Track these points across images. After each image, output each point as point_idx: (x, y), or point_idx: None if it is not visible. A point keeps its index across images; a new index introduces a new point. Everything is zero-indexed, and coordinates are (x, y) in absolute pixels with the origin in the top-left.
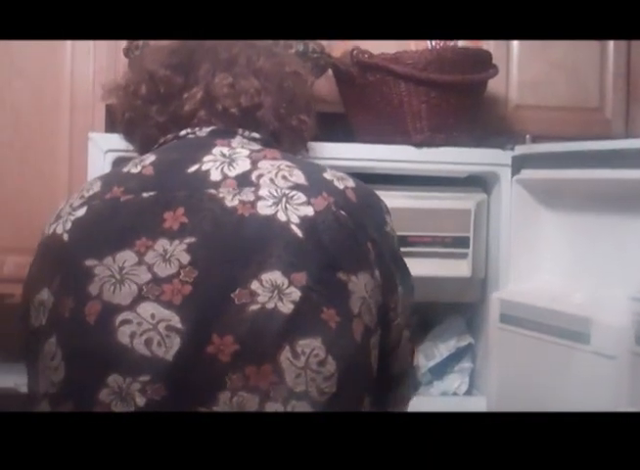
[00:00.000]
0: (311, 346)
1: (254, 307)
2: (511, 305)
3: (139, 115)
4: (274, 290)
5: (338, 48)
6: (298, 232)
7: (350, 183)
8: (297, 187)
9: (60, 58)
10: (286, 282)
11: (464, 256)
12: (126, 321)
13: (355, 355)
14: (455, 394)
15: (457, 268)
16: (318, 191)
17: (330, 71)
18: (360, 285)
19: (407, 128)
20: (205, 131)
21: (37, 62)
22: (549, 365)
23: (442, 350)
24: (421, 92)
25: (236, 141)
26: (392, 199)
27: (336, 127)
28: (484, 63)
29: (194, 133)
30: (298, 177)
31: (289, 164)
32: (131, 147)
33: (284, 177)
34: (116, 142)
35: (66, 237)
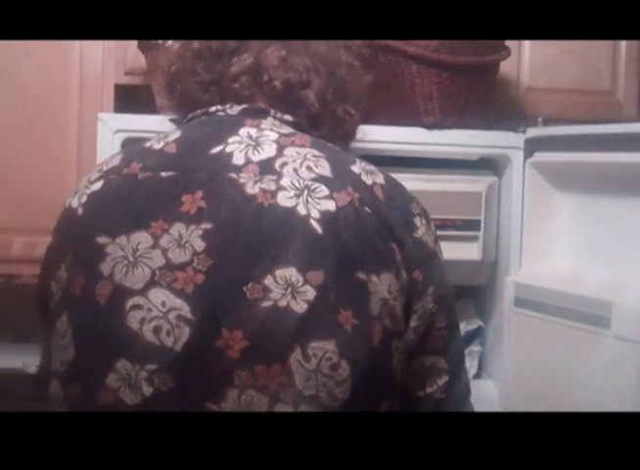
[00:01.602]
0: (324, 349)
1: (266, 304)
2: (526, 289)
3: (185, 68)
4: (288, 287)
5: None
6: (318, 228)
7: (380, 179)
8: (320, 179)
9: None
10: (301, 280)
11: (475, 238)
12: (137, 306)
13: (372, 360)
14: None
15: (468, 251)
16: (343, 185)
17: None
18: (382, 286)
19: (418, 110)
20: (236, 109)
21: (46, 42)
22: (566, 350)
23: None
24: (432, 74)
25: (267, 122)
26: (403, 181)
27: None
28: (496, 44)
29: (224, 110)
30: (324, 169)
31: (316, 153)
32: (141, 127)
33: (308, 168)
34: (126, 122)
35: (80, 211)
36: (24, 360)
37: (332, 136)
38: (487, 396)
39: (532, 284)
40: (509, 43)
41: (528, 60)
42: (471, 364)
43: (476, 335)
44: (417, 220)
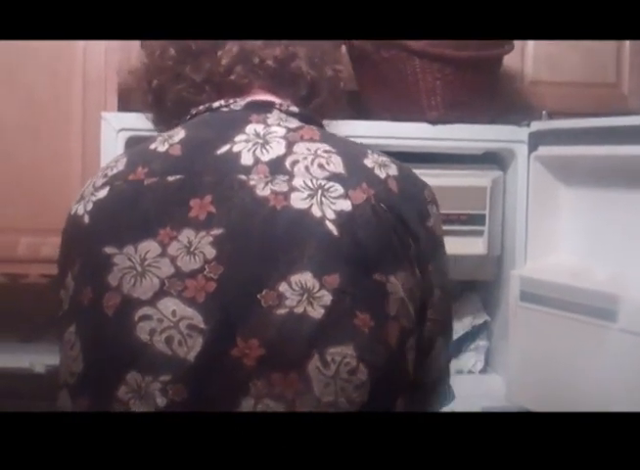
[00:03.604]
0: (342, 354)
1: (282, 311)
2: (532, 283)
3: (171, 76)
4: (304, 293)
5: None
6: (334, 229)
7: (393, 170)
8: (334, 177)
9: None
10: (317, 285)
11: (480, 233)
12: (146, 317)
13: (389, 361)
14: (471, 372)
15: (473, 246)
16: (357, 182)
17: (343, 48)
18: (399, 286)
19: (422, 105)
20: (239, 104)
21: (50, 42)
22: (573, 344)
23: (458, 328)
24: (435, 68)
25: (273, 117)
26: None
27: (350, 105)
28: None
29: (228, 106)
30: (337, 165)
31: (327, 147)
32: (145, 126)
33: (320, 165)
34: (129, 121)
35: (86, 219)
36: (31, 360)
37: (335, 104)
38: (494, 390)
39: (538, 278)
40: None
41: (532, 53)
42: (477, 359)
43: (482, 330)
44: (430, 208)
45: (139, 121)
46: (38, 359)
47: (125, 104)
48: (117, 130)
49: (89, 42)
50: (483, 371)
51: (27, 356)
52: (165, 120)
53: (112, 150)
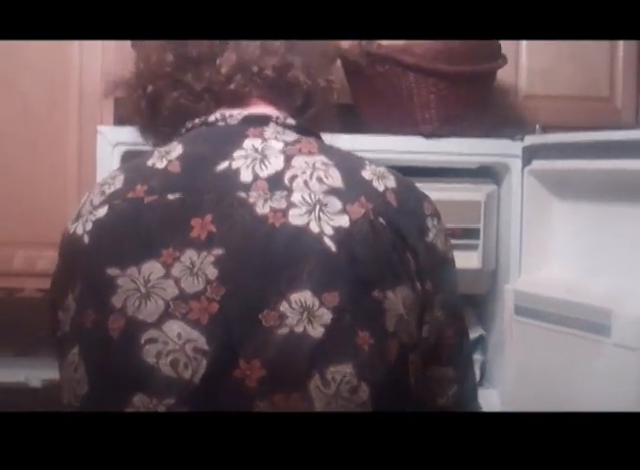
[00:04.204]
0: (342, 372)
1: (283, 331)
2: (526, 297)
3: (168, 83)
4: (304, 312)
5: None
6: (332, 245)
7: (391, 183)
8: (332, 192)
9: (68, 51)
10: (317, 303)
11: (474, 247)
12: (152, 340)
13: (390, 378)
14: None
15: (467, 260)
16: (356, 196)
17: (338, 62)
18: (397, 302)
19: (416, 119)
20: (236, 118)
21: (46, 55)
22: (567, 358)
23: None
24: (430, 83)
25: (269, 130)
26: None
27: (344, 118)
28: (493, 53)
29: (224, 120)
30: (335, 179)
31: (325, 160)
32: (140, 140)
33: (319, 179)
34: (125, 135)
35: (86, 239)
36: (27, 374)
37: (328, 114)
38: (489, 404)
39: (532, 292)
40: (506, 50)
41: (526, 66)
42: None
43: (477, 344)
44: (429, 222)
45: (135, 135)
46: (34, 374)
47: (121, 118)
48: (114, 144)
49: (85, 55)
50: (479, 385)
51: (23, 371)
52: (157, 130)
53: (107, 164)
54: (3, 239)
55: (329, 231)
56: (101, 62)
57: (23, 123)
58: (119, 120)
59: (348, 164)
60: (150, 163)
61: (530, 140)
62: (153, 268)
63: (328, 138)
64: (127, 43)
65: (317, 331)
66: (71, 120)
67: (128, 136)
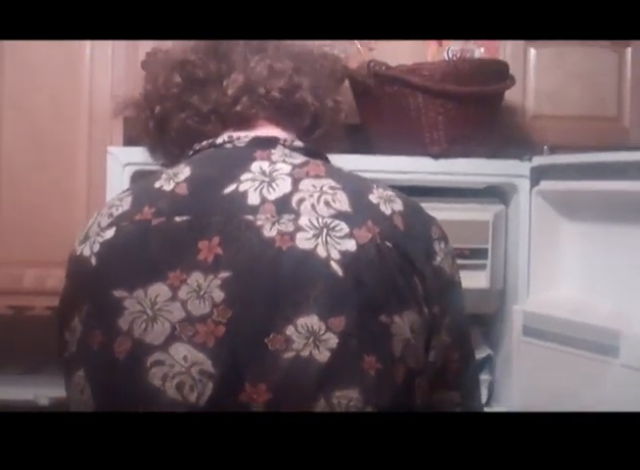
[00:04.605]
0: (348, 397)
1: (289, 355)
2: (534, 318)
3: (176, 104)
4: (310, 336)
5: (354, 59)
6: (339, 270)
7: (398, 206)
8: (339, 216)
9: (78, 71)
10: (323, 327)
11: (482, 267)
12: (158, 362)
13: (396, 402)
14: None
15: (475, 280)
16: (363, 220)
17: (347, 83)
18: (404, 326)
19: (424, 140)
20: (243, 141)
21: (56, 76)
22: (575, 379)
23: None
24: (438, 104)
25: (277, 153)
26: None
27: (352, 139)
28: (501, 73)
29: (231, 142)
30: (342, 203)
31: (333, 183)
32: (150, 160)
33: (327, 203)
34: (135, 155)
35: (93, 261)
36: (35, 392)
37: (336, 134)
38: None
39: (541, 313)
40: (514, 71)
41: (534, 87)
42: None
43: (485, 363)
44: (436, 246)
45: (145, 156)
46: (42, 392)
47: (131, 138)
48: (124, 165)
49: (95, 76)
50: (487, 405)
51: (32, 389)
52: (166, 150)
53: (117, 184)
54: (13, 258)
55: (336, 255)
56: (111, 82)
57: (33, 144)
58: (129, 141)
59: (356, 188)
60: (157, 185)
61: (538, 161)
62: (159, 291)
63: (336, 158)
64: (137, 63)
65: (323, 355)
66: (81, 141)
67: (138, 156)
